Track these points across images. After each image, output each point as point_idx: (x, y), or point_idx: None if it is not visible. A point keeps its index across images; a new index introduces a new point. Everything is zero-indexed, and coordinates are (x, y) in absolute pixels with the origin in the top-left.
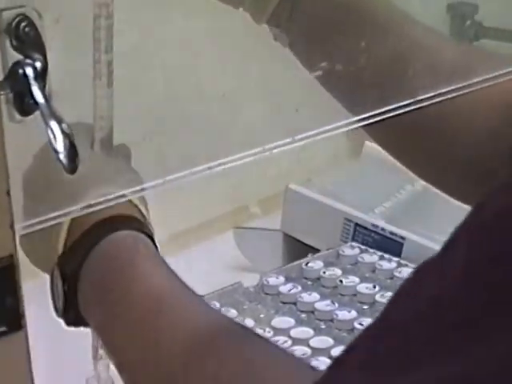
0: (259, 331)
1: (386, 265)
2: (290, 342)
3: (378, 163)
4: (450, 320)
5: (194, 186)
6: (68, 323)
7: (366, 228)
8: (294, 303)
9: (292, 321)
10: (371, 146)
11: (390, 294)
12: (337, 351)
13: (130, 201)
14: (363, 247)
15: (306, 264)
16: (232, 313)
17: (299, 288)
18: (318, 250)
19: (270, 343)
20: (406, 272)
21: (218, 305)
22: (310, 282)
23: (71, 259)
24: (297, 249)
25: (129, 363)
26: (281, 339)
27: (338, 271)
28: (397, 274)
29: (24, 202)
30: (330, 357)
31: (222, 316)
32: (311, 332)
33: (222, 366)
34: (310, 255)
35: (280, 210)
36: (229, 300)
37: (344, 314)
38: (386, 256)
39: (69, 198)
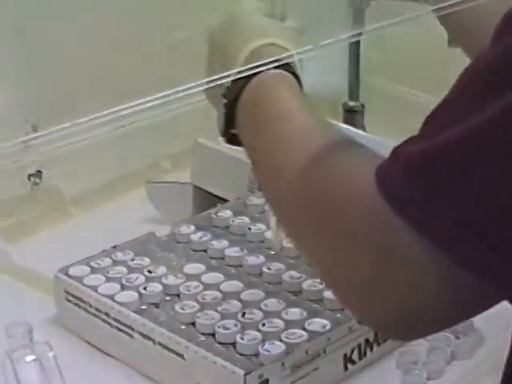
0: (171, 277)
1: None
2: (201, 287)
3: None
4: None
5: (105, 143)
6: (228, 141)
7: None
8: (205, 250)
9: (203, 267)
10: None
11: None
12: (246, 295)
13: (287, 49)
14: None
15: (216, 213)
16: (145, 261)
17: (209, 236)
18: (226, 201)
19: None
20: None
21: (132, 253)
22: (219, 231)
23: (234, 89)
24: (206, 200)
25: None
26: (192, 284)
27: (246, 219)
28: None
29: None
30: (240, 300)
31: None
32: (221, 277)
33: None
34: (219, 205)
35: (190, 164)
36: (142, 249)
37: (253, 260)
38: None
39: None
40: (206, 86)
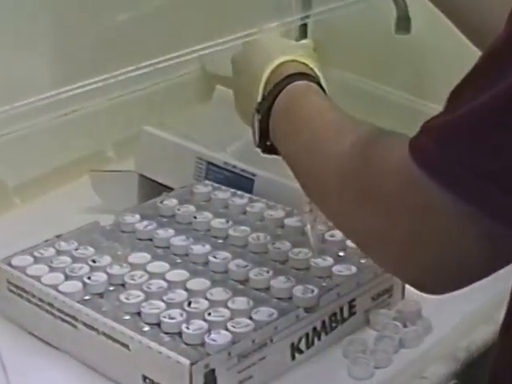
0: (116, 267)
1: (238, 201)
2: (146, 277)
3: (229, 106)
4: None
5: (48, 131)
6: (263, 151)
7: (218, 166)
8: (150, 239)
9: (148, 256)
10: (222, 89)
11: (243, 228)
12: (192, 284)
13: (306, 64)
14: (216, 185)
15: (161, 202)
16: (90, 251)
17: (155, 225)
18: (172, 189)
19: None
20: (257, 207)
21: (75, 243)
22: (165, 219)
23: (266, 103)
24: (152, 189)
25: (301, 154)
26: (137, 274)
27: (192, 208)
28: (249, 209)
29: None
30: (186, 289)
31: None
32: (167, 266)
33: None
34: (164, 194)
35: (134, 153)
36: (86, 238)
37: (198, 249)
38: (239, 192)
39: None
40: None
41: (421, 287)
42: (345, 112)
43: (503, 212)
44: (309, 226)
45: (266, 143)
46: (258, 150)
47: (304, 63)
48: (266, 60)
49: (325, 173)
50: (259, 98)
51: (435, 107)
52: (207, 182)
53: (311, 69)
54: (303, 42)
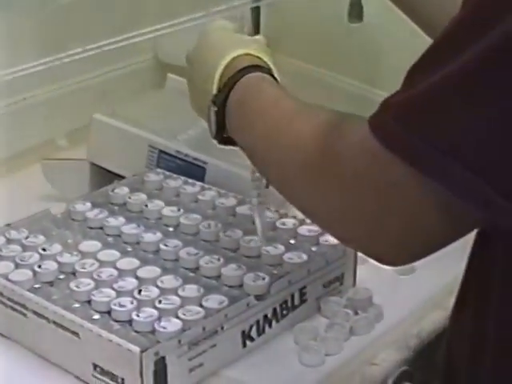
0: (66, 255)
1: (189, 189)
2: (97, 265)
3: (181, 94)
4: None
5: (1, 120)
6: (220, 142)
7: (169, 154)
8: (101, 228)
9: (99, 244)
10: (174, 78)
11: (194, 216)
12: (143, 272)
13: (261, 58)
14: (167, 173)
15: (112, 190)
16: (40, 239)
17: (106, 213)
18: (123, 178)
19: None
20: (209, 195)
21: (26, 231)
22: (116, 207)
23: (221, 95)
24: (103, 177)
25: (258, 140)
26: (88, 262)
27: (144, 196)
28: (200, 197)
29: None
30: (137, 277)
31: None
32: (118, 254)
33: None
34: (115, 182)
35: (86, 142)
36: (37, 227)
37: (149, 237)
38: (190, 181)
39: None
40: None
41: (385, 260)
42: (301, 100)
43: (463, 185)
44: (256, 214)
45: (223, 135)
46: (215, 142)
47: (258, 57)
48: (220, 55)
49: (286, 158)
50: (214, 91)
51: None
52: (159, 170)
53: (265, 62)
54: (256, 37)
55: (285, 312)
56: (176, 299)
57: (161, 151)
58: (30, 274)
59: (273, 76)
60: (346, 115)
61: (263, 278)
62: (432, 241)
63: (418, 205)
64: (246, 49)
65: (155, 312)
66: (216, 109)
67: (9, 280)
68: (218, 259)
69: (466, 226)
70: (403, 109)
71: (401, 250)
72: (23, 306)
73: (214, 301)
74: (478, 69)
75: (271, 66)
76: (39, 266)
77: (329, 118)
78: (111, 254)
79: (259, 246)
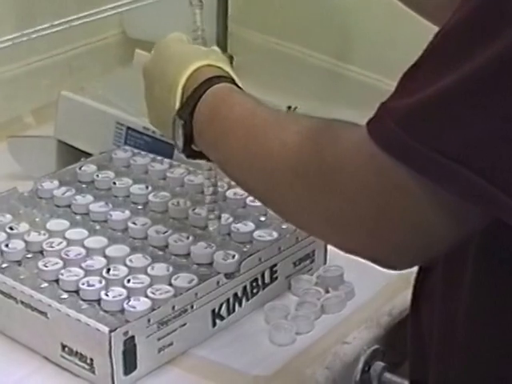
0: (34, 234)
1: (158, 166)
2: (64, 243)
3: None
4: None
5: None
6: (188, 156)
7: (137, 131)
8: (69, 206)
9: (67, 223)
10: (142, 53)
11: (162, 193)
12: (111, 250)
13: (222, 68)
14: (135, 150)
15: (80, 168)
16: (7, 218)
17: (73, 191)
18: (91, 155)
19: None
20: (178, 172)
21: None
22: (84, 185)
23: (186, 109)
24: (71, 155)
25: (234, 153)
26: (56, 241)
27: (111, 174)
28: (169, 174)
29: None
30: (105, 256)
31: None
32: (86, 233)
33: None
34: (83, 159)
35: (54, 119)
36: (4, 206)
37: (118, 215)
38: (159, 158)
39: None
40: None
41: (387, 264)
42: (275, 108)
43: (469, 188)
44: (209, 189)
45: (191, 148)
46: (182, 156)
47: (219, 67)
48: (180, 66)
49: (271, 167)
50: (177, 105)
51: (358, 71)
52: (127, 147)
53: (226, 72)
54: (212, 48)
55: (255, 290)
56: (145, 278)
57: (128, 128)
58: None
59: (237, 85)
60: (331, 121)
61: (233, 256)
62: (435, 244)
63: (422, 208)
64: (206, 60)
65: (124, 291)
66: (183, 122)
67: None
68: (187, 237)
69: (470, 228)
70: (405, 114)
71: (404, 255)
72: None
73: (183, 279)
74: (484, 74)
75: (233, 75)
76: (6, 246)
77: (313, 124)
78: (79, 232)
79: (229, 223)
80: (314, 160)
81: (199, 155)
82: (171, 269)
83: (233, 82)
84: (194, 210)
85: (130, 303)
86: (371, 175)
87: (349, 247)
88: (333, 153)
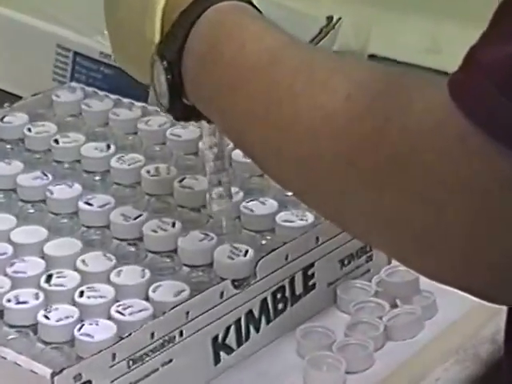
0: None
1: (124, 113)
2: None
3: None
4: None
5: None
6: (176, 117)
7: (91, 59)
8: None
9: None
10: None
11: (132, 156)
12: (53, 247)
13: None
14: (89, 88)
15: (2, 119)
16: None
17: None
18: (20, 98)
19: None
20: (156, 123)
21: None
22: (8, 146)
23: (171, 43)
24: None
25: (243, 116)
26: None
27: (52, 127)
28: (142, 126)
29: None
30: (44, 256)
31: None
32: (13, 220)
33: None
34: (6, 106)
35: None
36: None
37: (62, 191)
38: (125, 100)
39: None
40: None
41: (487, 295)
42: (312, 46)
43: None
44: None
45: (182, 104)
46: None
47: None
48: None
49: (305, 150)
50: (156, 38)
51: None
52: (74, 84)
53: None
54: None
55: (280, 306)
56: (107, 289)
57: (77, 54)
58: None
59: (252, 4)
60: (397, 75)
61: (245, 253)
62: None
63: None
64: None
65: (74, 311)
66: (166, 64)
67: None
68: (173, 224)
69: None
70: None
71: (504, 282)
72: None
73: (167, 290)
74: None
75: None
76: None
77: (370, 80)
78: (3, 219)
79: (239, 200)
80: (373, 141)
81: (195, 115)
82: (148, 274)
83: None
84: (181, 181)
85: (83, 329)
86: (461, 161)
87: (435, 273)
88: (403, 129)
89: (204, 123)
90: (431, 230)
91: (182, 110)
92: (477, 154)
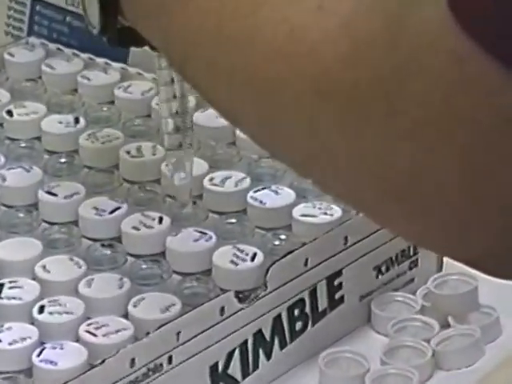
0: None
1: (98, 77)
2: None
3: None
4: None
5: None
6: (110, 40)
7: (55, 6)
8: None
9: None
10: None
11: (107, 132)
12: (6, 248)
13: None
14: (52, 45)
15: None
16: None
17: None
18: None
19: None
20: (138, 90)
21: None
22: None
23: None
24: None
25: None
26: None
27: (5, 95)
28: (121, 93)
29: None
30: None
31: None
32: None
33: None
34: None
35: None
36: None
37: (16, 177)
38: (99, 60)
39: None
40: None
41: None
42: None
43: None
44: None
45: (115, 24)
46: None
47: None
48: None
49: (268, 67)
50: None
51: None
52: (33, 39)
53: None
54: None
55: (299, 325)
56: (75, 303)
57: (36, 0)
58: None
59: None
60: None
61: (252, 256)
62: None
63: None
64: None
65: (33, 330)
66: None
67: None
68: (160, 219)
69: None
70: None
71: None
72: None
73: (151, 305)
74: None
75: None
76: None
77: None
78: None
79: (244, 188)
80: (350, 62)
81: (133, 38)
82: (127, 284)
83: None
84: (169, 164)
85: (44, 355)
86: (463, 96)
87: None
88: (390, 48)
89: (159, 74)
90: (420, 175)
91: (117, 32)
92: (475, 80)
